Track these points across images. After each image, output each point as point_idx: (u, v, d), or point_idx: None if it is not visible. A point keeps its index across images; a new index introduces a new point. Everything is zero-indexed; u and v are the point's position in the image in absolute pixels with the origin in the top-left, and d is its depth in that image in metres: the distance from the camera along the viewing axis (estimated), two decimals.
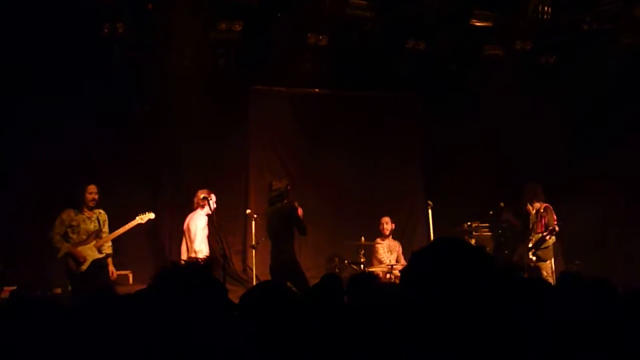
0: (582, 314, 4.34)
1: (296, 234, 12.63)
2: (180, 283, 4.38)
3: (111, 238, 12.95)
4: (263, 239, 14.51)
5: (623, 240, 16.31)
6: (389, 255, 15.37)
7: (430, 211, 14.54)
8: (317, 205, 16.46)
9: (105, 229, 12.93)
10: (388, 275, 14.53)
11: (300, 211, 12.75)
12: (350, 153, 17.01)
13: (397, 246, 15.66)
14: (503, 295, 3.18)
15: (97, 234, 12.78)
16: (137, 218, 13.15)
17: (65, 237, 12.56)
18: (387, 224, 15.53)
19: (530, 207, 14.24)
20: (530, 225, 14.16)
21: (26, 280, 13.13)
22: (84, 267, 12.50)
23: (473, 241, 15.48)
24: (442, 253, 3.07)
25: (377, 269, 14.88)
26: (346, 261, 15.40)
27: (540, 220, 13.95)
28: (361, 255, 14.88)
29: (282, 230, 12.56)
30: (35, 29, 13.58)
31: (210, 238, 13.84)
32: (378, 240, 15.51)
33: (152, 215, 13.31)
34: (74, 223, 12.62)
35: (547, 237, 13.86)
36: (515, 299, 3.71)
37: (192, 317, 4.17)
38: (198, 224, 13.74)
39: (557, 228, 13.80)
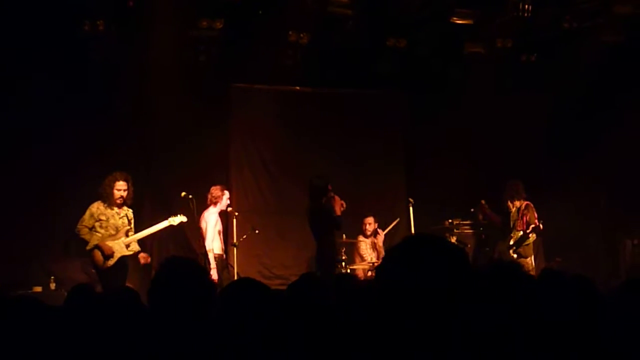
0: (562, 312, 4.36)
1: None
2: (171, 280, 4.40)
3: (140, 237, 12.89)
4: (245, 236, 14.52)
5: (603, 237, 16.39)
6: (371, 252, 15.35)
7: (411, 209, 14.55)
8: (298, 203, 16.46)
9: (132, 226, 12.85)
10: (370, 273, 14.53)
11: (341, 204, 12.77)
12: (331, 151, 16.99)
13: (379, 241, 15.60)
14: (477, 293, 3.20)
15: (126, 231, 12.68)
16: (169, 219, 13.04)
17: (93, 230, 12.43)
18: (370, 225, 15.49)
19: (511, 205, 14.23)
20: (511, 223, 14.14)
21: (5, 279, 13.10)
22: (111, 262, 12.36)
23: (454, 238, 15.51)
24: (415, 250, 3.07)
25: (359, 267, 14.88)
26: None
27: (522, 218, 13.95)
28: (343, 253, 14.87)
29: (324, 227, 12.70)
30: (14, 26, 13.54)
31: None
32: (360, 237, 15.50)
33: (184, 219, 13.13)
34: (103, 217, 12.46)
35: (530, 235, 13.88)
36: (495, 296, 3.72)
37: (174, 316, 4.18)
38: (209, 221, 13.71)
39: (541, 226, 13.81)
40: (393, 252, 3.15)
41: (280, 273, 16.18)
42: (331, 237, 12.75)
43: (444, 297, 2.91)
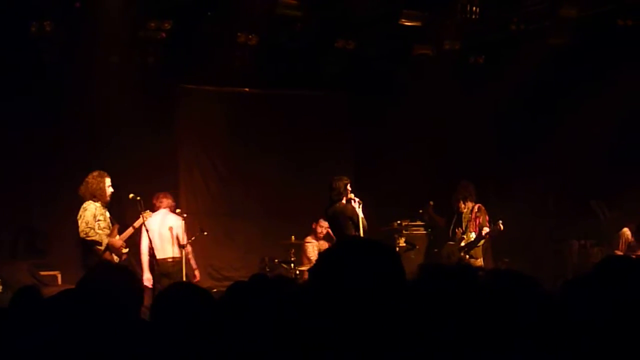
0: (507, 311, 4.37)
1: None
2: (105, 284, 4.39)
3: (128, 235, 12.68)
4: (193, 238, 14.49)
5: (551, 238, 16.51)
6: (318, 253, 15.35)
7: (360, 210, 14.58)
8: (246, 204, 16.52)
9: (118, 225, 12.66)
10: None
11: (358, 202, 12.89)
12: (280, 152, 17.04)
13: (327, 246, 15.64)
14: (412, 296, 3.23)
15: (117, 229, 12.51)
16: (140, 216, 12.80)
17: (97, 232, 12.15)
18: (324, 228, 15.48)
19: (463, 205, 14.24)
20: (464, 224, 14.13)
21: None
22: (125, 254, 12.36)
23: (403, 239, 15.54)
24: (348, 253, 3.09)
25: (307, 268, 14.89)
26: (276, 260, 15.40)
27: (475, 220, 13.98)
28: (291, 254, 14.87)
29: (345, 229, 12.80)
30: None
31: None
32: (307, 239, 15.50)
33: (151, 214, 13.11)
34: (101, 217, 12.19)
35: (485, 237, 13.93)
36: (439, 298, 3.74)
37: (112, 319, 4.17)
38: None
39: (502, 227, 13.79)
40: (325, 255, 3.17)
41: (229, 275, 16.17)
42: None
43: (372, 298, 2.93)
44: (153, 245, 12.95)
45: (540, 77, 15.85)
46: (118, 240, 12.24)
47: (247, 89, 17.06)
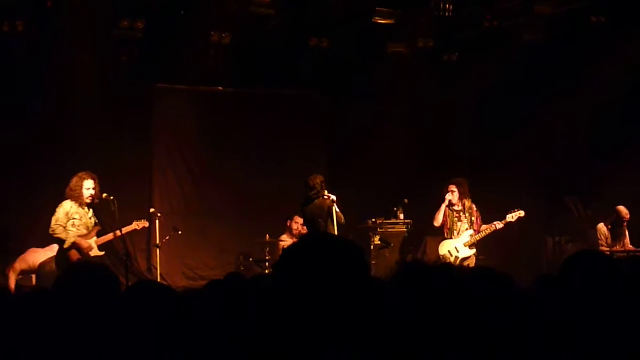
0: (482, 308, 4.35)
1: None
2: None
3: (108, 239, 12.59)
4: (168, 238, 14.46)
5: (525, 235, 16.53)
6: None
7: (335, 208, 14.55)
8: (221, 204, 16.50)
9: (100, 226, 12.58)
10: None
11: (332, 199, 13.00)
12: (255, 151, 17.05)
13: None
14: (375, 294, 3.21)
15: (97, 231, 12.41)
16: (133, 223, 12.94)
17: (67, 229, 12.04)
18: (298, 224, 15.45)
19: (459, 203, 13.99)
20: (469, 223, 13.93)
21: None
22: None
23: (377, 238, 15.55)
24: (311, 248, 3.08)
25: None
26: (251, 259, 15.40)
27: (477, 220, 13.88)
28: (266, 253, 14.86)
29: (322, 226, 12.85)
30: None
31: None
32: (282, 237, 15.49)
33: (146, 224, 13.21)
34: (77, 216, 12.05)
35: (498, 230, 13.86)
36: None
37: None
38: None
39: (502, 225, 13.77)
40: (288, 250, 3.16)
41: (204, 274, 16.14)
42: None
43: (333, 294, 2.92)
44: None
45: (514, 74, 15.86)
46: (86, 241, 12.12)
47: (220, 88, 17.05)
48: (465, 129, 17.57)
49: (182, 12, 14.74)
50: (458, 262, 13.45)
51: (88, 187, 12.22)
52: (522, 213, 13.57)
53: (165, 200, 16.36)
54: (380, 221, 16.06)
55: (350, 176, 16.53)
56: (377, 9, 14.86)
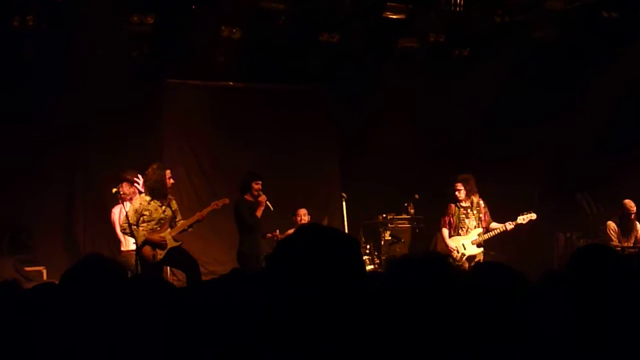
0: (493, 303, 4.34)
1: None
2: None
3: (186, 225, 12.30)
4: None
5: (537, 231, 16.48)
6: None
7: (344, 203, 14.54)
8: (232, 200, 16.47)
9: (179, 216, 12.36)
10: None
11: (263, 198, 13.15)
12: (265, 146, 17.02)
13: None
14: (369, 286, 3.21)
15: (172, 222, 12.19)
16: (212, 204, 12.72)
17: (137, 226, 11.84)
18: (305, 216, 15.44)
19: (466, 199, 13.91)
20: (477, 219, 13.85)
21: None
22: (162, 253, 11.94)
23: (388, 233, 15.55)
24: (306, 241, 3.07)
25: None
26: (262, 256, 15.40)
27: (485, 216, 13.82)
28: None
29: (240, 223, 13.21)
30: None
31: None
32: (290, 231, 15.45)
33: (226, 201, 12.96)
34: (146, 212, 11.88)
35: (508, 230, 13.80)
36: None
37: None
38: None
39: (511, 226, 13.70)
40: (282, 242, 3.20)
41: (215, 269, 16.09)
42: (249, 234, 13.13)
43: (327, 285, 2.91)
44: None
45: (525, 70, 15.84)
46: (158, 235, 11.87)
47: (231, 83, 17.05)
48: (476, 124, 17.54)
49: (193, 7, 14.74)
50: (464, 258, 13.40)
51: (169, 176, 12.17)
52: (533, 216, 13.46)
53: (175, 196, 16.35)
54: (391, 216, 16.05)
55: (360, 171, 16.54)
56: (388, 3, 14.85)
